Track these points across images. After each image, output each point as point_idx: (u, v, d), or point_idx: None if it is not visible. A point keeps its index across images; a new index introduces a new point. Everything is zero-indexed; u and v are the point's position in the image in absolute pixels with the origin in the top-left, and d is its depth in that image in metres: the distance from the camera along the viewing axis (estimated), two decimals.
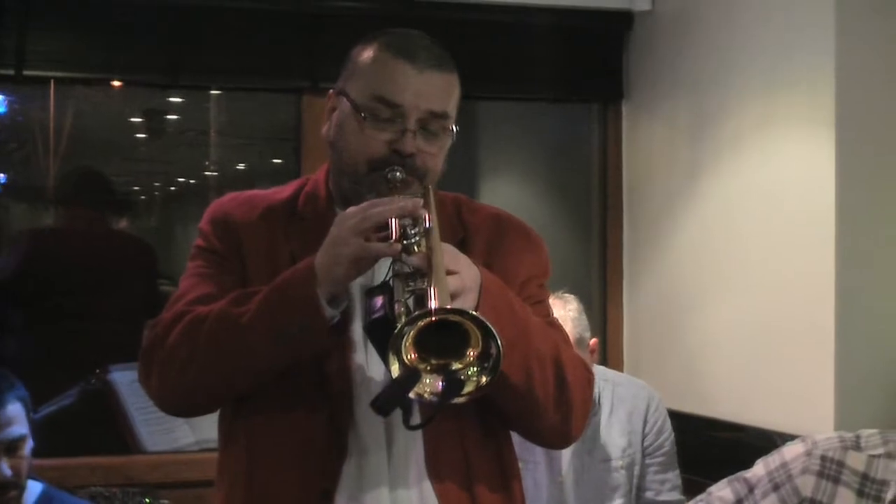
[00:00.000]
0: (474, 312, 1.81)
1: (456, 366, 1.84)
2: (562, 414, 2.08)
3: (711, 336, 3.98)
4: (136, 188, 5.75)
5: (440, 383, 1.84)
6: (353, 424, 2.03)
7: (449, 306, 1.80)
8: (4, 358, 4.16)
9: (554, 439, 2.21)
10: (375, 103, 2.05)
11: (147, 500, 3.55)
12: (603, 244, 4.61)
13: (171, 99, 5.17)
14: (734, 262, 3.87)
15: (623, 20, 4.49)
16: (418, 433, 2.00)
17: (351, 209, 1.96)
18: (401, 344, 1.79)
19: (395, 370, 1.80)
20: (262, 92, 4.57)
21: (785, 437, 3.24)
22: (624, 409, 3.50)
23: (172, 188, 6.00)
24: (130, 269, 4.63)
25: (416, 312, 1.80)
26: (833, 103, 3.43)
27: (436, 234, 1.94)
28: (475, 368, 1.83)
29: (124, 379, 3.97)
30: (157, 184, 5.90)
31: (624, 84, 4.54)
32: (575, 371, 2.09)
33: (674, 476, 3.56)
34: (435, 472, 2.04)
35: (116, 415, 3.95)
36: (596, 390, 3.18)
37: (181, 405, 2.15)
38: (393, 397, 1.83)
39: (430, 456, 2.03)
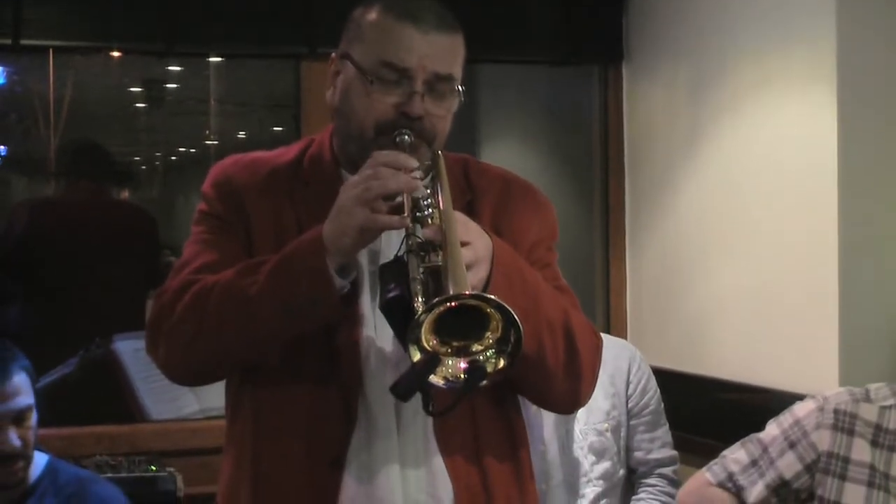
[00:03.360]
0: (494, 297, 1.79)
1: (475, 347, 1.82)
2: (571, 380, 2.07)
3: (715, 297, 3.98)
4: (136, 158, 5.76)
5: (461, 365, 1.82)
6: (362, 394, 2.03)
7: (467, 291, 1.78)
8: (6, 329, 4.16)
9: (563, 405, 2.22)
10: (381, 68, 2.03)
11: (153, 468, 3.56)
12: (605, 207, 4.60)
13: (170, 68, 5.16)
14: (737, 223, 3.87)
15: None
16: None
17: (355, 178, 1.95)
18: (419, 332, 1.77)
19: (415, 355, 1.79)
20: (260, 59, 4.55)
21: (790, 397, 3.24)
22: (605, 373, 3.46)
23: (173, 158, 6.01)
24: (132, 239, 4.63)
25: (435, 300, 1.77)
26: (834, 61, 3.42)
27: (449, 205, 1.93)
28: (493, 351, 1.82)
29: (128, 348, 3.97)
30: (157, 153, 5.90)
31: (624, 46, 4.51)
32: (584, 337, 2.08)
33: (663, 433, 3.55)
34: (444, 440, 2.04)
35: (121, 384, 3.95)
36: None
37: (189, 375, 2.15)
38: (413, 383, 1.81)
39: (438, 424, 2.03)
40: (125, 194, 5.15)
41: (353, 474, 2.02)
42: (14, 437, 2.81)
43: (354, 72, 2.07)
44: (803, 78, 3.55)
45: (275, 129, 5.59)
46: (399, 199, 1.92)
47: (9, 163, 4.78)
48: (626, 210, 4.55)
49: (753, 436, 2.86)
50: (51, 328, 4.30)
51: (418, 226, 1.90)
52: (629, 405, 3.50)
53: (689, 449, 3.65)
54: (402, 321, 1.83)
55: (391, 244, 2.02)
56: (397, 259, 1.93)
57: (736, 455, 2.86)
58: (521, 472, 2.15)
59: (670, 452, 3.52)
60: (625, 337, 4.34)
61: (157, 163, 6.00)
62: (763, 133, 3.74)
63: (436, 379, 1.81)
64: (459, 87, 2.10)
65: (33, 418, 2.88)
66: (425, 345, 1.79)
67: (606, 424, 3.45)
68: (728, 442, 2.96)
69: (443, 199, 1.94)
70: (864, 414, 2.74)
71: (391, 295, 1.88)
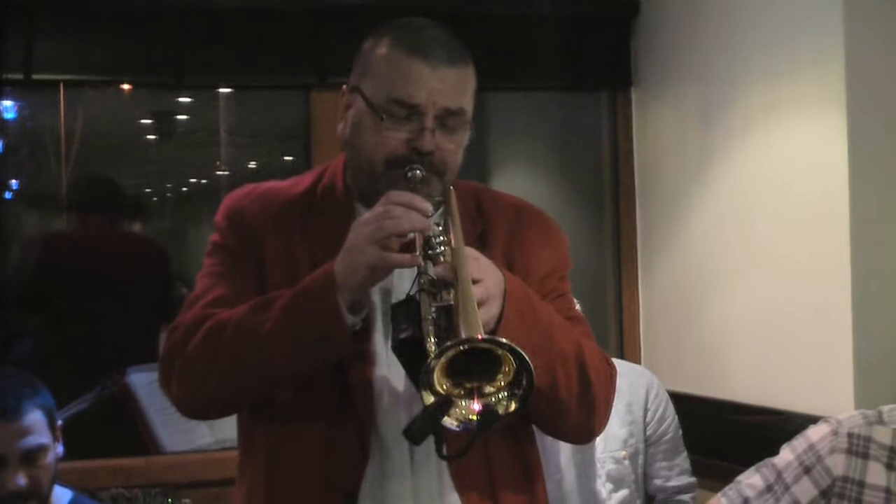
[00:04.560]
0: (506, 342, 1.77)
1: (488, 389, 1.82)
2: (586, 411, 2.07)
3: (728, 320, 3.97)
4: (147, 190, 5.76)
5: (474, 407, 1.82)
6: (376, 430, 2.03)
7: (479, 335, 1.77)
8: (20, 363, 4.17)
9: (578, 436, 2.23)
10: (391, 104, 2.03)
11: (168, 500, 3.55)
12: (616, 232, 4.61)
13: (180, 100, 5.17)
14: (749, 246, 3.86)
15: (630, 7, 4.48)
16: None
17: (367, 215, 1.94)
18: (432, 376, 1.77)
19: (428, 399, 1.78)
20: (270, 90, 4.57)
21: (804, 419, 3.23)
22: (622, 401, 3.47)
23: (184, 189, 6.01)
24: (144, 271, 4.64)
25: (447, 344, 1.77)
26: (843, 85, 3.42)
27: (460, 241, 1.93)
28: (506, 394, 1.81)
29: (142, 380, 3.97)
30: (168, 185, 5.90)
31: (632, 71, 4.53)
32: (598, 368, 2.08)
33: (682, 460, 3.55)
34: (457, 474, 2.04)
35: (135, 416, 3.95)
36: None
37: (202, 410, 2.15)
38: (426, 426, 1.80)
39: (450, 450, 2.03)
40: (136, 227, 5.15)
41: None
42: (20, 478, 2.76)
43: (365, 107, 2.07)
44: (813, 101, 3.55)
45: (285, 158, 5.60)
46: (411, 236, 1.92)
47: (20, 197, 4.79)
48: (637, 235, 4.55)
49: (768, 460, 2.84)
50: (64, 361, 4.30)
51: (430, 263, 1.90)
52: (647, 432, 3.49)
53: (704, 472, 3.64)
54: (415, 361, 1.83)
55: (403, 281, 2.02)
56: (409, 298, 1.92)
57: (751, 480, 2.85)
58: (535, 501, 2.15)
59: (689, 479, 3.52)
60: (638, 361, 4.34)
61: (168, 194, 6.00)
62: (774, 157, 3.74)
63: (449, 421, 1.81)
64: (470, 120, 2.10)
65: (48, 458, 2.83)
66: (438, 388, 1.78)
67: (624, 452, 3.44)
68: (743, 465, 2.95)
69: (454, 236, 1.94)
70: (879, 437, 2.73)
71: (403, 336, 1.88)
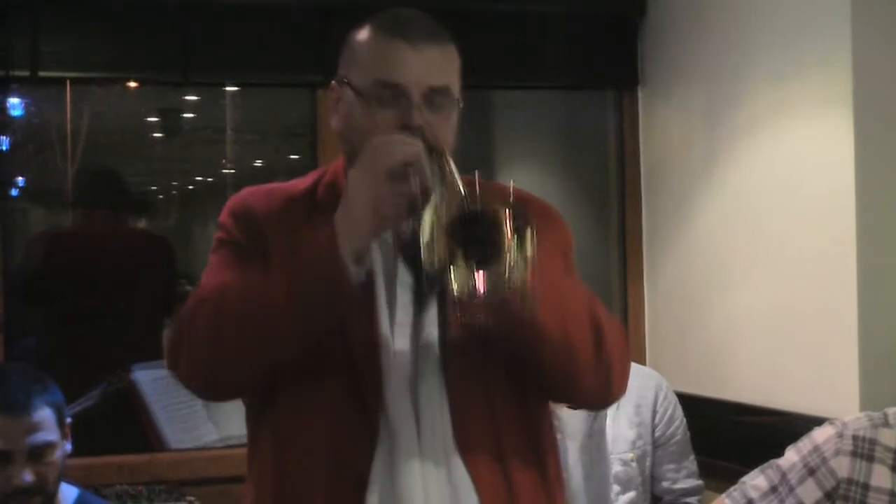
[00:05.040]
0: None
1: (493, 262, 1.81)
2: (603, 370, 2.05)
3: (733, 320, 3.97)
4: (153, 188, 5.77)
5: (479, 275, 1.79)
6: (383, 408, 2.02)
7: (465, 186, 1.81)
8: (26, 360, 4.17)
9: (597, 398, 2.18)
10: (377, 87, 2.05)
11: (173, 498, 3.56)
12: (622, 231, 4.60)
13: (187, 97, 5.18)
14: (755, 246, 3.86)
15: (636, 6, 4.48)
16: (445, 410, 2.00)
17: (358, 164, 1.96)
18: (435, 246, 1.78)
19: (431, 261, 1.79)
20: (276, 88, 4.57)
21: (809, 420, 3.22)
22: (630, 402, 3.47)
23: (190, 187, 6.03)
24: (149, 268, 4.64)
25: (447, 204, 1.79)
26: (850, 85, 3.41)
27: (455, 177, 1.92)
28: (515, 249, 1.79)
29: (147, 377, 3.97)
30: (174, 183, 5.92)
31: (639, 71, 4.52)
32: (610, 325, 2.07)
33: (689, 462, 3.55)
34: (466, 448, 2.02)
35: (140, 413, 3.95)
36: None
37: (211, 384, 2.10)
38: (433, 280, 1.83)
39: (460, 435, 2.02)
40: (142, 223, 5.16)
41: (377, 493, 2.01)
42: (26, 474, 2.77)
43: (353, 95, 2.09)
44: (819, 101, 3.54)
45: (291, 157, 5.60)
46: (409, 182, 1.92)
47: (26, 194, 4.80)
48: (643, 234, 4.55)
49: (773, 462, 2.84)
50: (70, 358, 4.30)
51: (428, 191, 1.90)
52: (655, 434, 3.49)
53: (708, 473, 3.64)
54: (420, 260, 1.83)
55: (404, 271, 2.04)
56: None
57: (755, 482, 2.84)
58: (547, 479, 2.13)
59: (696, 482, 3.52)
60: (643, 362, 4.33)
61: (174, 192, 6.01)
62: (780, 156, 3.73)
63: (456, 287, 1.79)
64: (458, 96, 2.11)
65: (56, 455, 2.83)
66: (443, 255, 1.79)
67: (632, 454, 3.44)
68: (748, 465, 2.94)
69: (449, 171, 1.94)
70: (884, 439, 2.72)
71: (407, 239, 1.92)
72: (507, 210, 1.79)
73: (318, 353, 2.00)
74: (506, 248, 1.79)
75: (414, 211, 1.89)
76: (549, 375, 2.06)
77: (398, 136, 1.97)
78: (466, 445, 2.03)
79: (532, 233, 1.80)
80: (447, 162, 1.95)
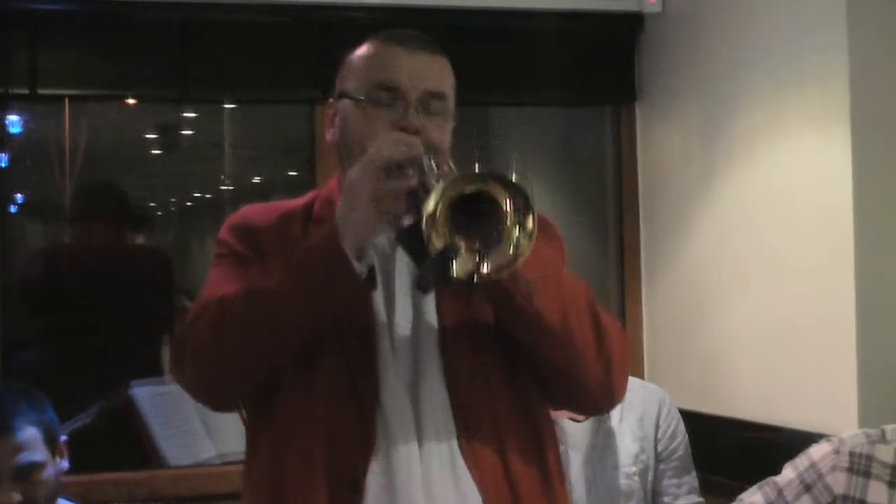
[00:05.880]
0: (499, 174, 1.82)
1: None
2: (603, 365, 2.06)
3: (731, 335, 3.97)
4: (151, 204, 5.76)
5: (479, 259, 1.82)
6: (382, 416, 2.03)
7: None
8: (23, 375, 4.17)
9: (599, 397, 2.16)
10: (375, 90, 2.10)
11: None
12: (620, 245, 4.61)
13: (185, 114, 5.19)
14: (752, 260, 3.86)
15: (634, 22, 4.49)
16: (448, 410, 2.02)
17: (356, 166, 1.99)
18: (435, 228, 1.79)
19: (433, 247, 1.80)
20: (274, 104, 4.58)
21: (808, 436, 3.22)
22: (634, 416, 3.47)
23: (188, 203, 6.01)
24: (147, 283, 4.65)
25: (444, 185, 1.80)
26: (847, 99, 3.42)
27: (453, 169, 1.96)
28: (515, 231, 1.81)
29: (145, 394, 3.97)
30: (172, 199, 5.91)
31: (636, 86, 4.53)
32: (610, 319, 2.09)
33: (690, 479, 3.55)
34: (469, 446, 2.03)
35: (138, 430, 3.95)
36: None
37: (215, 388, 2.10)
38: (431, 271, 1.83)
39: (465, 440, 2.03)
40: (140, 239, 5.16)
41: (374, 495, 2.00)
42: (14, 495, 2.74)
43: (350, 103, 2.14)
44: (817, 116, 3.55)
45: (290, 173, 5.60)
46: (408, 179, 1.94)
47: (25, 209, 4.80)
48: (641, 249, 4.55)
49: (770, 479, 2.84)
50: (68, 373, 4.30)
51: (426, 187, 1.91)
52: (658, 449, 3.49)
53: (706, 489, 3.63)
54: (420, 249, 1.85)
55: (405, 274, 2.07)
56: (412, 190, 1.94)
57: (752, 498, 2.84)
58: (547, 473, 2.13)
59: (697, 499, 3.52)
60: (641, 376, 4.33)
61: (172, 208, 6.01)
62: (778, 170, 3.74)
63: (457, 272, 1.82)
64: (453, 108, 2.16)
65: (45, 474, 2.80)
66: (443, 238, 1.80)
67: (634, 467, 3.44)
68: (746, 481, 2.94)
69: (451, 163, 1.98)
70: (881, 455, 2.72)
71: (406, 224, 1.93)
72: (507, 188, 1.80)
73: (318, 353, 2.03)
74: (508, 225, 1.81)
75: (413, 206, 1.91)
76: (551, 368, 2.08)
77: (398, 133, 2.02)
78: (469, 444, 2.04)
79: (533, 211, 1.82)
80: (446, 160, 1.99)
